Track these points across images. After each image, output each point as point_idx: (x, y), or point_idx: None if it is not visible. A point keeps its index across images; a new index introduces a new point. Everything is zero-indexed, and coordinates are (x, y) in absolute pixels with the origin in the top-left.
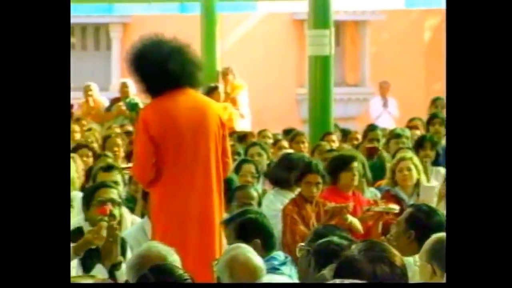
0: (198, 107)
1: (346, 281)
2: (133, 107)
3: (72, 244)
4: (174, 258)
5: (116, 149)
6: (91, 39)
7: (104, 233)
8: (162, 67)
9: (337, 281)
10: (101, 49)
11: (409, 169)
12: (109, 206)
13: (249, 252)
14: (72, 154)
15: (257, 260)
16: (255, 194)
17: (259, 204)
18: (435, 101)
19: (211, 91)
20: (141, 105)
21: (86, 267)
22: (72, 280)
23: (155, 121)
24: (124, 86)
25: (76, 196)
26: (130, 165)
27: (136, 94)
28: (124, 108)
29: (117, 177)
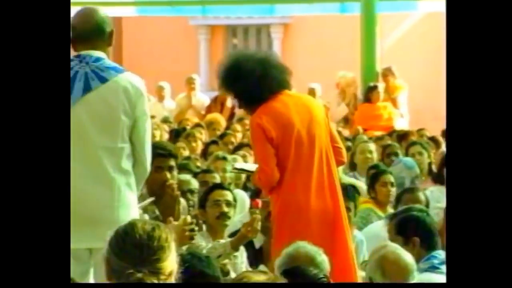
0: (302, 103)
1: None
2: None
3: (229, 239)
4: (322, 258)
5: None
6: (253, 40)
7: (258, 225)
8: (262, 74)
9: None
10: (262, 50)
11: None
12: (261, 201)
13: (397, 249)
14: (242, 152)
15: (406, 257)
16: (423, 197)
17: (427, 207)
18: None
19: (370, 91)
20: None
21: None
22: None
23: (270, 124)
24: None
25: (239, 194)
26: (246, 167)
27: None
28: None
29: None
